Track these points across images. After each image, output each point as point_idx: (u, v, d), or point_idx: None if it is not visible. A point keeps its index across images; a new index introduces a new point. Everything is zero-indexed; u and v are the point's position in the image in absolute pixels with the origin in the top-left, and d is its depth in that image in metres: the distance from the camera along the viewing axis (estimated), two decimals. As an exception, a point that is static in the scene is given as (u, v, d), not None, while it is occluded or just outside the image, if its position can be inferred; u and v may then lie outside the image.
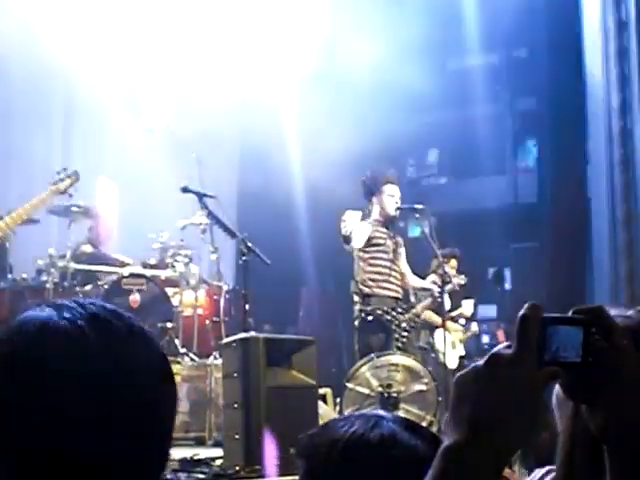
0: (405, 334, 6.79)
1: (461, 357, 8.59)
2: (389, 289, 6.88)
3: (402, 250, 7.18)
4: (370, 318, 6.69)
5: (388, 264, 6.90)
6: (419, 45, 9.78)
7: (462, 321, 8.93)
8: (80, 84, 9.08)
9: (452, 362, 8.38)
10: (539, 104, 11.29)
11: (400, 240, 7.20)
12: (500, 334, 9.80)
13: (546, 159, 11.10)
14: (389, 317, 6.72)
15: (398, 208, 7.09)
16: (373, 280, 6.85)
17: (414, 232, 9.63)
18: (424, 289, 7.53)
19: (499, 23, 10.30)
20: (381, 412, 1.40)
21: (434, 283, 7.74)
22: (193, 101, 9.62)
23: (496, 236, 10.44)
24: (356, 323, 6.85)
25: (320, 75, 9.99)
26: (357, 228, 6.72)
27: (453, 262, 8.43)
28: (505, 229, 10.46)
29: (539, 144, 11.73)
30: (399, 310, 6.83)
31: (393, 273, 6.94)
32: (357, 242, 6.74)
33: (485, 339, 9.90)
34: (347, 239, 6.68)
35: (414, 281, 7.36)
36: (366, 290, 6.82)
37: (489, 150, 11.51)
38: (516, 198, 11.68)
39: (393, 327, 6.73)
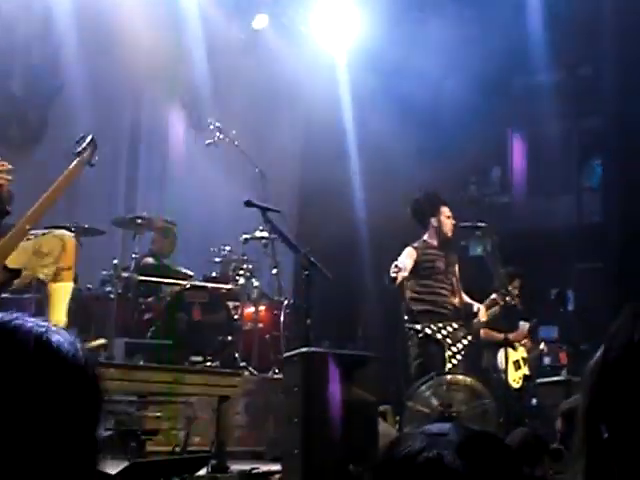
0: (458, 351, 6.67)
1: (526, 376, 8.44)
2: (439, 306, 6.78)
3: (455, 268, 7.05)
4: (420, 335, 6.61)
5: (436, 284, 6.80)
6: (485, 63, 9.72)
7: (524, 341, 8.78)
8: (146, 99, 9.22)
9: (516, 382, 8.24)
10: (604, 123, 11.13)
11: (454, 257, 7.08)
12: (562, 356, 9.63)
13: (611, 178, 10.92)
14: (440, 335, 6.62)
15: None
16: (421, 300, 6.75)
17: (475, 251, 9.55)
18: (467, 305, 7.28)
19: (565, 41, 10.19)
20: (447, 427, 1.34)
21: (494, 301, 7.63)
22: (256, 116, 9.70)
23: (559, 256, 10.29)
24: (409, 342, 6.77)
25: (383, 93, 9.99)
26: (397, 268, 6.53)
27: (516, 282, 8.32)
28: (569, 249, 10.30)
29: (604, 163, 11.55)
30: (449, 329, 6.71)
31: (443, 292, 6.85)
32: (398, 280, 6.52)
33: (547, 360, 9.74)
34: (391, 281, 6.48)
35: (461, 298, 7.17)
36: (415, 309, 6.73)
37: (553, 169, 11.37)
38: (580, 218, 11.49)
39: (446, 344, 6.62)
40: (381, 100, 9.85)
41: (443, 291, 6.86)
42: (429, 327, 6.63)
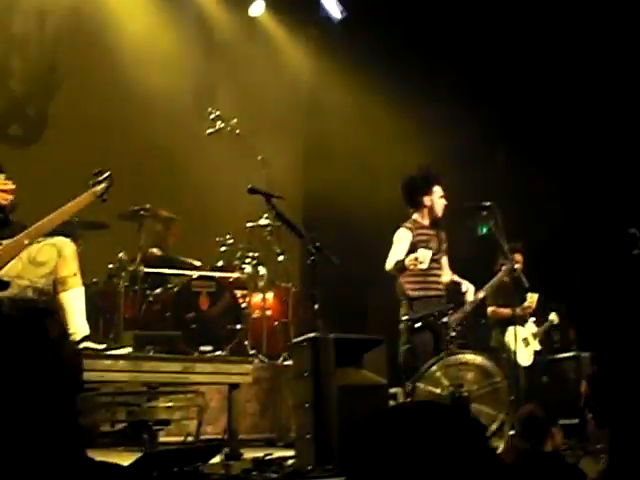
0: (454, 334, 6.57)
1: (536, 353, 8.42)
2: (433, 289, 6.72)
3: (444, 246, 6.98)
4: (417, 325, 6.53)
5: (431, 265, 6.64)
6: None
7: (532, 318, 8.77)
8: (150, 86, 9.19)
9: (525, 359, 8.21)
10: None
11: (443, 235, 6.99)
12: (571, 333, 9.61)
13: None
14: (437, 321, 6.53)
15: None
16: (415, 282, 6.66)
17: (482, 231, 9.51)
18: (455, 283, 7.17)
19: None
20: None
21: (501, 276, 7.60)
22: (257, 104, 9.68)
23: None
24: (401, 326, 6.68)
25: (387, 75, 9.94)
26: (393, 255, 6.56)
27: (518, 256, 8.27)
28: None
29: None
30: (445, 313, 6.60)
31: (437, 272, 6.77)
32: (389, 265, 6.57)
33: (555, 337, 9.71)
34: (398, 269, 6.50)
35: (448, 275, 7.08)
36: (410, 294, 6.65)
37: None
38: (583, 195, 11.45)
39: (442, 328, 6.53)
40: (385, 82, 9.80)
41: (437, 271, 6.79)
42: (432, 315, 6.53)
